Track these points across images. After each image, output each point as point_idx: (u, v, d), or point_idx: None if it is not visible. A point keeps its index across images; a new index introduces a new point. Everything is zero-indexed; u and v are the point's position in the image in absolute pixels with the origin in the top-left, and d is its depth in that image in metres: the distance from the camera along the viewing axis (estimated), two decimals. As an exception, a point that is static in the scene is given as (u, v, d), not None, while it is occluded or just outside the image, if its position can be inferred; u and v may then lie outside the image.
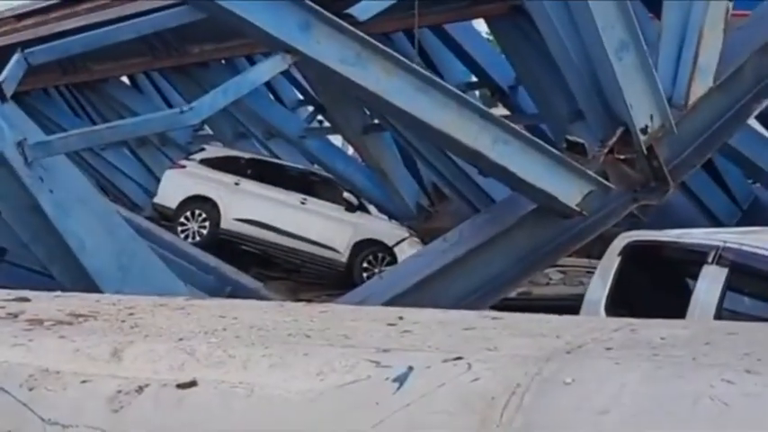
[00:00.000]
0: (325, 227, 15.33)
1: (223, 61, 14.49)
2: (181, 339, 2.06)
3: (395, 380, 1.80)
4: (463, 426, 1.58)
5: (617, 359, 1.90)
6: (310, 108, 15.46)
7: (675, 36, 7.60)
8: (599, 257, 7.42)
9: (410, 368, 1.85)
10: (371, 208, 15.45)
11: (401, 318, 2.47)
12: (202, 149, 16.25)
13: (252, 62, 13.22)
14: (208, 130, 17.00)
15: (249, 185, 15.19)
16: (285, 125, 15.13)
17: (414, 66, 6.71)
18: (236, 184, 15.29)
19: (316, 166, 15.97)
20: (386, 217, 15.26)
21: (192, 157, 15.99)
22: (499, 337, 2.21)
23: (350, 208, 15.62)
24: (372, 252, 15.21)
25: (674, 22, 7.61)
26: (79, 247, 5.78)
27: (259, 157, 16.35)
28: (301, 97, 16.03)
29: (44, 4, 15.01)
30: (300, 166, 16.40)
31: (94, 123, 15.27)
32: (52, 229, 5.80)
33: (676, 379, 1.72)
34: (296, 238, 15.01)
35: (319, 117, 15.63)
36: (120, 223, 6.48)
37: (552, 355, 1.93)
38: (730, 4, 7.75)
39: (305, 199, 15.26)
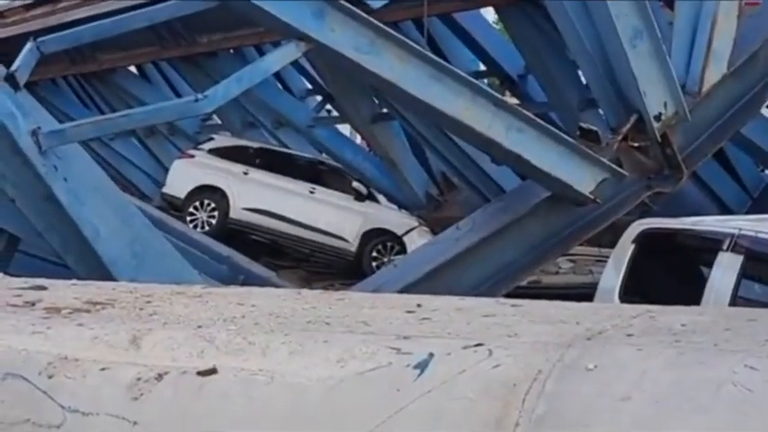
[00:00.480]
0: (335, 216, 15.41)
1: (231, 51, 14.50)
2: (200, 327, 2.07)
3: (416, 366, 1.80)
4: (485, 412, 1.59)
5: (638, 345, 1.90)
6: (319, 98, 15.51)
7: (689, 23, 7.60)
8: (609, 246, 7.55)
9: (431, 355, 1.85)
10: (380, 197, 15.51)
11: (419, 305, 2.48)
12: (211, 139, 16.31)
13: (260, 52, 13.31)
14: (216, 120, 17.04)
15: (258, 175, 15.25)
16: (294, 114, 15.12)
17: (427, 53, 6.71)
18: (245, 173, 15.36)
19: (324, 155, 15.98)
20: (395, 206, 15.28)
21: (200, 146, 16.07)
22: (519, 323, 2.22)
23: (359, 197, 15.68)
24: (382, 241, 15.28)
25: (688, 9, 7.62)
26: (94, 236, 5.79)
27: (268, 146, 16.39)
28: (310, 87, 16.04)
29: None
30: (309, 156, 16.43)
31: (102, 113, 15.32)
32: (67, 217, 5.81)
33: (698, 365, 1.71)
34: (305, 227, 15.10)
35: (328, 106, 15.68)
36: (134, 212, 6.48)
37: (573, 341, 1.92)
38: None
39: (314, 188, 15.31)
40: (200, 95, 6.40)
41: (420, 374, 1.78)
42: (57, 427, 1.84)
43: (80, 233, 5.79)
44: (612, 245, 7.48)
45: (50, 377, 1.88)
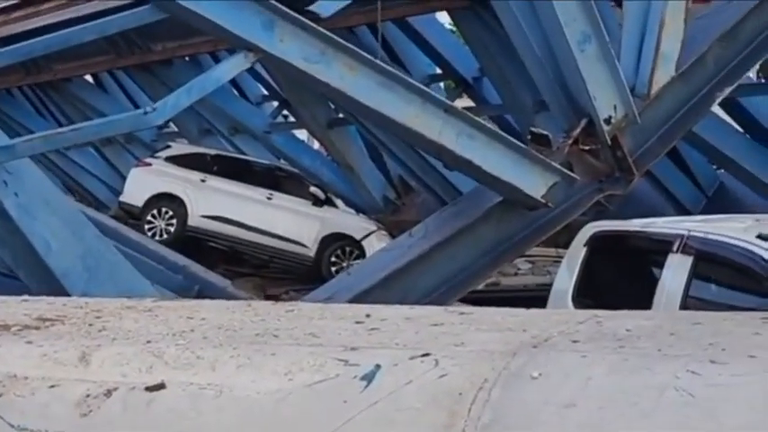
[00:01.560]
0: (293, 222, 15.47)
1: (187, 58, 14.47)
2: (149, 342, 2.07)
3: (363, 378, 1.82)
4: (431, 422, 1.61)
5: (583, 352, 1.95)
6: (275, 103, 15.63)
7: (637, 25, 7.68)
8: (566, 247, 7.46)
9: (378, 366, 1.88)
10: (339, 202, 15.53)
11: (368, 315, 2.50)
12: (168, 147, 16.26)
13: (216, 59, 13.21)
14: (173, 128, 16.85)
15: (215, 182, 15.22)
16: (250, 121, 15.24)
17: (377, 62, 6.71)
18: (203, 180, 15.33)
19: (282, 161, 16.03)
20: (353, 211, 15.39)
21: (157, 154, 15.95)
22: (466, 332, 2.25)
23: (317, 202, 15.68)
24: (340, 246, 15.35)
25: (636, 12, 7.68)
26: (45, 250, 5.76)
27: (225, 153, 16.40)
28: (266, 93, 16.09)
29: (4, 4, 14.96)
30: (266, 162, 16.48)
31: (59, 123, 15.29)
32: (18, 232, 5.74)
33: (642, 371, 1.76)
34: (263, 233, 15.11)
35: (284, 112, 15.74)
36: (86, 224, 6.36)
37: (519, 349, 1.96)
38: None
39: (271, 194, 15.31)
40: (149, 108, 6.37)
41: (367, 386, 1.80)
42: (7, 445, 1.79)
43: (31, 247, 5.74)
44: (570, 245, 7.48)
45: (0, 395, 1.89)
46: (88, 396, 1.80)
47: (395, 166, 13.62)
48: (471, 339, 2.10)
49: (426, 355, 1.83)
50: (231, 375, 1.83)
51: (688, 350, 2.11)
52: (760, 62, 9.29)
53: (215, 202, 15.10)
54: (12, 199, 5.67)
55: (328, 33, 6.12)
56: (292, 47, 6.14)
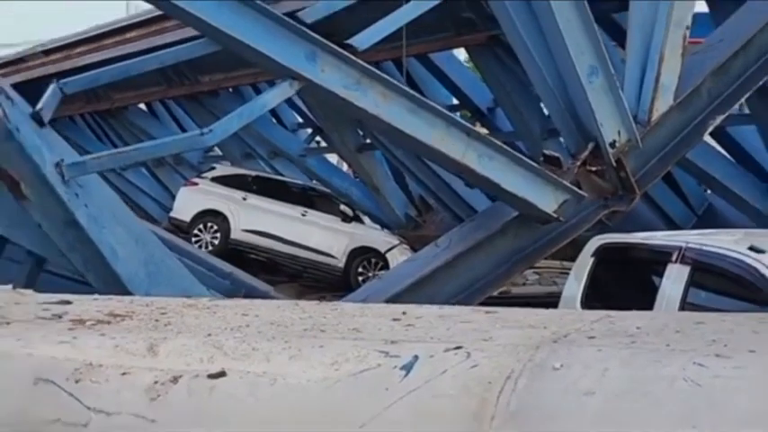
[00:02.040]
0: (324, 236, 15.46)
1: (231, 89, 14.69)
2: (209, 335, 2.08)
3: (402, 368, 1.84)
4: (464, 408, 1.63)
5: (599, 347, 1.95)
6: (309, 130, 15.79)
7: (639, 60, 7.62)
8: (570, 260, 7.56)
9: (415, 357, 1.89)
10: (365, 219, 15.55)
11: (404, 313, 2.49)
12: (213, 168, 16.38)
13: (257, 90, 13.44)
14: (217, 152, 16.99)
15: (255, 200, 15.25)
16: (287, 146, 15.36)
17: (407, 89, 6.65)
18: (244, 198, 15.37)
19: (315, 181, 16.13)
20: (378, 226, 15.56)
21: (203, 175, 16.10)
22: (493, 328, 2.23)
23: (346, 219, 15.69)
24: (367, 258, 15.32)
25: (638, 47, 7.65)
26: (112, 256, 5.78)
27: (264, 174, 16.44)
28: (301, 120, 16.18)
29: (71, 39, 15.31)
30: (301, 182, 16.50)
31: (116, 147, 15.39)
32: (88, 240, 5.76)
33: (653, 363, 1.76)
34: (298, 246, 15.20)
35: (317, 138, 15.87)
36: (148, 233, 6.30)
37: (541, 343, 1.96)
38: (687, 32, 7.65)
39: (306, 211, 15.36)
40: (205, 130, 6.44)
41: (406, 375, 1.83)
42: (83, 426, 1.84)
43: (100, 254, 5.76)
44: (573, 258, 7.40)
45: (77, 381, 1.92)
46: (156, 383, 1.84)
47: (416, 187, 13.66)
48: (498, 335, 2.08)
49: (459, 348, 1.83)
50: (284, 365, 1.86)
51: (693, 345, 2.11)
52: (748, 94, 8.91)
53: (255, 218, 15.13)
54: (82, 210, 5.74)
55: (364, 64, 6.11)
56: (333, 76, 6.12)
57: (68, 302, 2.64)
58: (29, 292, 3.68)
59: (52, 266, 5.93)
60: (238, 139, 14.85)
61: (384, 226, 15.31)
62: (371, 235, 15.36)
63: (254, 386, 1.78)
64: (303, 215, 15.35)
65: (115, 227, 5.92)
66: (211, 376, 1.79)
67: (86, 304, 2.76)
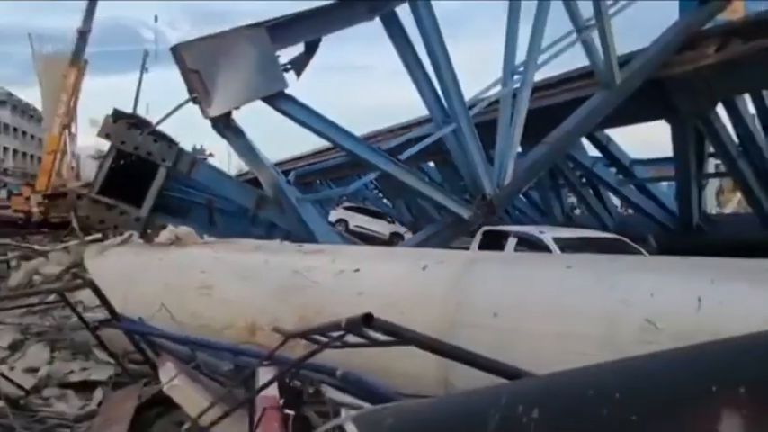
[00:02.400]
0: (380, 226, 24.89)
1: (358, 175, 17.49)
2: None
3: (422, 268, 6.42)
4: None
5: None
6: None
7: (499, 160, 9.42)
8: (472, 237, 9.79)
9: (425, 266, 6.12)
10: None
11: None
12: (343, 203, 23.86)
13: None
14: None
15: (357, 215, 23.57)
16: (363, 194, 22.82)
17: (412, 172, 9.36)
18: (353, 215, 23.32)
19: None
20: (403, 229, 23.74)
21: (338, 206, 23.80)
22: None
23: (388, 222, 25.01)
24: (400, 237, 23.07)
25: (500, 152, 9.45)
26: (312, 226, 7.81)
27: (358, 205, 25.42)
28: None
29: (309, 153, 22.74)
30: (374, 208, 25.87)
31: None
32: (308, 229, 7.75)
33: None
34: (372, 231, 23.91)
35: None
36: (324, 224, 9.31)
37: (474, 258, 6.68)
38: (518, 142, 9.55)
39: (373, 219, 25.04)
40: (349, 188, 12.52)
41: (425, 268, 6.74)
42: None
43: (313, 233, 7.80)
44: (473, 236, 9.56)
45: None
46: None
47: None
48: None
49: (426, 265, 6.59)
50: (378, 266, 6.61)
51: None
52: (537, 177, 11.60)
53: (356, 221, 23.25)
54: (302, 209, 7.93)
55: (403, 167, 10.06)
56: (400, 171, 12.00)
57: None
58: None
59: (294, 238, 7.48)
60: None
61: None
62: (394, 228, 22.06)
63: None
64: (373, 219, 22.98)
65: (319, 222, 8.18)
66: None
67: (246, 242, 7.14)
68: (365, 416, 1.81)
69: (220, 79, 6.74)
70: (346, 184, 17.50)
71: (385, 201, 24.34)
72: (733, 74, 9.60)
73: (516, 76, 9.82)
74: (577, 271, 4.23)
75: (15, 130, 67.28)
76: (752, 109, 11.61)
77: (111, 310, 3.64)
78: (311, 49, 7.71)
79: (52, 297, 4.63)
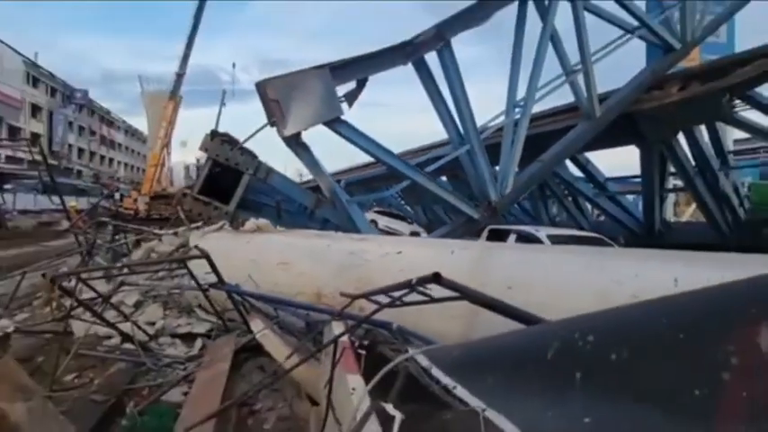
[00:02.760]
0: (400, 226, 20.57)
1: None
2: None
3: (450, 252, 6.49)
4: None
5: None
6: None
7: (503, 170, 9.20)
8: (478, 236, 9.49)
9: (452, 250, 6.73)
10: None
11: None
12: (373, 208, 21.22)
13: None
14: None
15: (382, 217, 20.20)
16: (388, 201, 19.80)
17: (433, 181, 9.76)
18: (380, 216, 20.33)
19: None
20: (420, 230, 20.37)
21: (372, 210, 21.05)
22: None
23: (408, 222, 20.97)
24: (416, 234, 19.61)
25: (503, 168, 9.22)
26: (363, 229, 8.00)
27: (382, 209, 21.04)
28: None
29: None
30: (397, 211, 21.64)
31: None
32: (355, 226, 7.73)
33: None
34: (393, 230, 20.30)
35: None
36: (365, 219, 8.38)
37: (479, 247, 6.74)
38: (518, 156, 9.10)
39: (395, 220, 20.66)
40: (390, 192, 11.60)
41: (452, 253, 6.40)
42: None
43: (355, 224, 7.73)
44: (478, 236, 9.40)
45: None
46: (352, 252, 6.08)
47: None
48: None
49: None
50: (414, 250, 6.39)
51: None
52: (534, 186, 11.92)
53: (384, 222, 19.92)
54: (354, 213, 7.76)
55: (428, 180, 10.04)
56: (424, 181, 11.50)
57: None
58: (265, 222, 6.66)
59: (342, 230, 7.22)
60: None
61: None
62: (413, 228, 20.39)
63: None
64: (396, 220, 20.45)
65: (360, 215, 8.05)
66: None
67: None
68: (434, 350, 1.82)
69: (293, 107, 6.85)
70: (379, 192, 17.51)
71: (406, 206, 23.66)
72: (692, 109, 9.42)
73: (516, 109, 9.63)
74: (574, 256, 4.22)
75: (126, 148, 68.97)
76: (706, 137, 11.29)
77: (219, 276, 3.74)
78: (361, 85, 7.79)
79: (173, 265, 4.71)
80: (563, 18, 9.37)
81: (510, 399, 1.21)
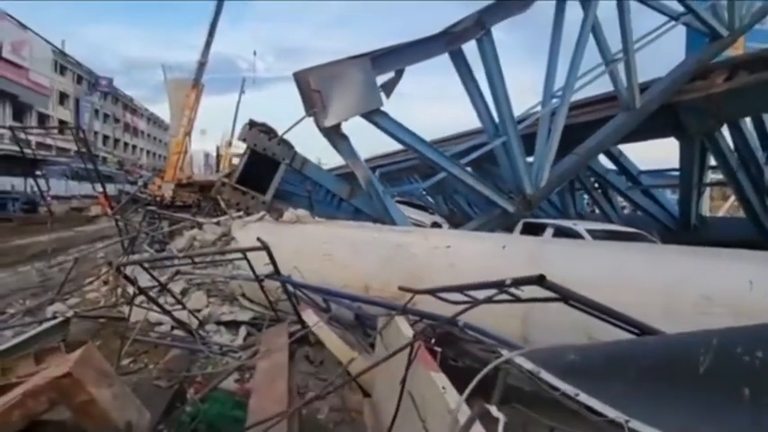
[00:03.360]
0: (421, 215, 18.24)
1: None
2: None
3: (503, 247, 6.38)
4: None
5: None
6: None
7: (537, 164, 9.16)
8: (510, 231, 9.17)
9: (504, 246, 6.39)
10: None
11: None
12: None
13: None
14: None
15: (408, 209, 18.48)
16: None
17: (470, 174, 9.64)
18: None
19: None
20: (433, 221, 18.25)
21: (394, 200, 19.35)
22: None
23: (429, 212, 18.47)
24: (437, 225, 17.53)
25: (538, 160, 9.15)
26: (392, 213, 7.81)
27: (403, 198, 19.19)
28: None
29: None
30: (422, 203, 20.32)
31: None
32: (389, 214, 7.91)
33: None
34: (417, 220, 19.22)
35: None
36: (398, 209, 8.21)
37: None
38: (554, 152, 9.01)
39: (418, 211, 18.40)
40: (421, 185, 11.71)
41: (504, 247, 6.29)
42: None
43: (390, 215, 7.75)
44: (510, 230, 9.18)
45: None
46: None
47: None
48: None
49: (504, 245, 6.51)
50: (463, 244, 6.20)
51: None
52: (565, 183, 11.61)
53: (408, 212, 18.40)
54: (388, 204, 7.72)
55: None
56: (458, 172, 10.77)
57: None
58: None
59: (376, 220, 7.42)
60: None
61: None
62: (434, 219, 19.40)
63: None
64: (418, 210, 18.66)
65: (394, 206, 7.99)
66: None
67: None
68: (536, 353, 1.76)
69: (335, 97, 6.80)
70: (400, 184, 17.22)
71: (427, 197, 22.95)
72: (740, 100, 9.10)
73: (553, 99, 9.44)
74: (634, 253, 4.12)
75: (148, 135, 69.94)
76: (750, 128, 10.99)
77: (276, 267, 3.76)
78: (399, 75, 7.68)
79: (230, 255, 4.72)
80: (601, 4, 9.11)
81: (651, 410, 1.16)
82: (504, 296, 2.04)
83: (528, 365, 1.67)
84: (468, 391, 1.70)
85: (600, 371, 1.40)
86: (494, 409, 1.61)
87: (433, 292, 3.04)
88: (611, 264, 3.77)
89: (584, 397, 1.36)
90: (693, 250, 4.15)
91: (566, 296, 1.78)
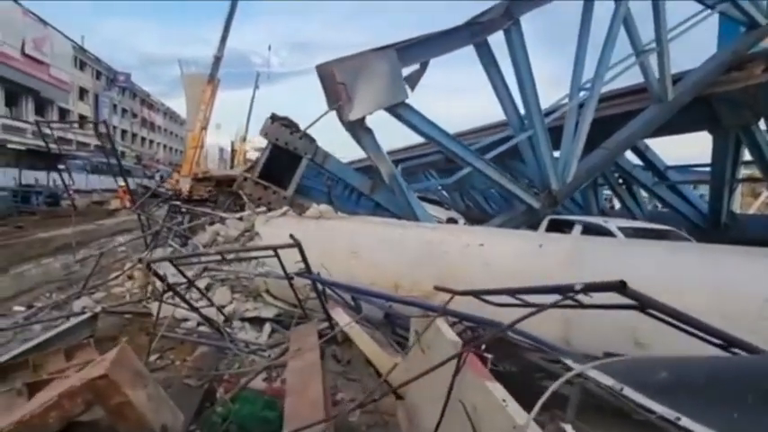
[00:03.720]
0: (437, 212, 17.62)
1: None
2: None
3: (539, 245, 4.75)
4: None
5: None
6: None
7: (563, 160, 8.62)
8: (536, 228, 8.84)
9: (540, 245, 5.65)
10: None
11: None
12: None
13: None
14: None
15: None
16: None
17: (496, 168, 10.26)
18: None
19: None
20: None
21: None
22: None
23: (446, 209, 17.53)
24: (453, 220, 16.89)
25: (565, 155, 8.61)
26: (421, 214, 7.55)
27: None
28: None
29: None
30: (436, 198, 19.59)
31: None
32: (411, 208, 7.51)
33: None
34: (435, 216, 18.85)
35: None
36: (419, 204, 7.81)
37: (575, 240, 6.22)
38: (581, 149, 8.49)
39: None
40: (445, 181, 10.84)
41: (540, 246, 5.88)
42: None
43: (414, 211, 7.60)
44: (536, 227, 8.75)
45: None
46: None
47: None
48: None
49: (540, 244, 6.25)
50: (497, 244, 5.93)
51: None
52: (592, 178, 11.00)
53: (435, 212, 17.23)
54: (411, 198, 7.44)
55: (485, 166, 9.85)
56: (483, 166, 10.31)
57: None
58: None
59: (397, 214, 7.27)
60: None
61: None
62: (449, 215, 18.20)
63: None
64: (434, 206, 17.03)
65: (418, 202, 7.70)
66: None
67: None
68: (613, 365, 1.61)
69: (360, 90, 6.66)
70: (416, 179, 16.76)
71: (443, 192, 22.44)
72: (780, 91, 8.68)
73: (581, 92, 9.17)
74: (681, 252, 3.91)
75: (165, 130, 70.75)
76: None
77: (308, 265, 3.65)
78: (424, 67, 7.50)
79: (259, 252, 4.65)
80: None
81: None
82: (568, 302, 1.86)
83: (606, 380, 1.51)
84: (537, 407, 1.54)
85: (697, 391, 1.27)
86: (569, 428, 1.46)
87: (477, 293, 2.88)
88: (657, 264, 3.57)
89: (686, 421, 1.22)
90: (747, 250, 3.94)
91: (646, 305, 1.61)
